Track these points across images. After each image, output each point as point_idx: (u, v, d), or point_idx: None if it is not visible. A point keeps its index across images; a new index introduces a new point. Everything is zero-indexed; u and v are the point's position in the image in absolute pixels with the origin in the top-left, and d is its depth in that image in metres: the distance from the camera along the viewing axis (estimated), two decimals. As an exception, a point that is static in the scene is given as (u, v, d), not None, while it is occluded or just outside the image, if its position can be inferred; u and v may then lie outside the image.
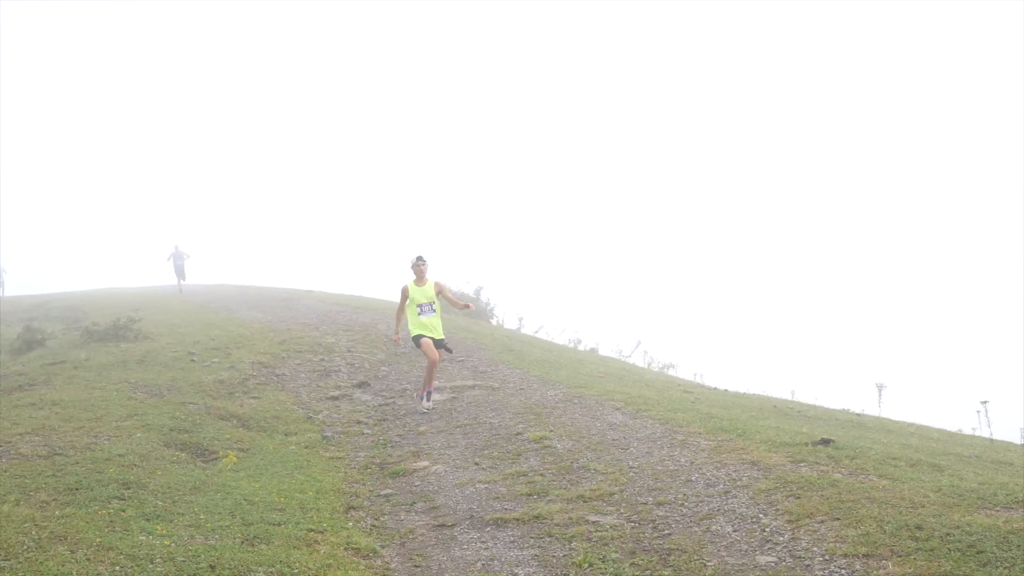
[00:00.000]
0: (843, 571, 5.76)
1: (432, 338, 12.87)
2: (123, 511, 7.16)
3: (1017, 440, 13.01)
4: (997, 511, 6.67)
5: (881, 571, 5.66)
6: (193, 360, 15.65)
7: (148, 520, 7.00)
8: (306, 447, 10.74)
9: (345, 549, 6.73)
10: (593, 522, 7.23)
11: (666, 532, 6.90)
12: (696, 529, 6.91)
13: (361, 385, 14.68)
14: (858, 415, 14.22)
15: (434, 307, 12.97)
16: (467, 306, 13.61)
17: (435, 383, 13.24)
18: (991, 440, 12.39)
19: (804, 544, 6.33)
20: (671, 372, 25.79)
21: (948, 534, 6.11)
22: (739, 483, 7.92)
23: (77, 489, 7.65)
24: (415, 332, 12.85)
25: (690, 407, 12.04)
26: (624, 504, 7.68)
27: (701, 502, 7.56)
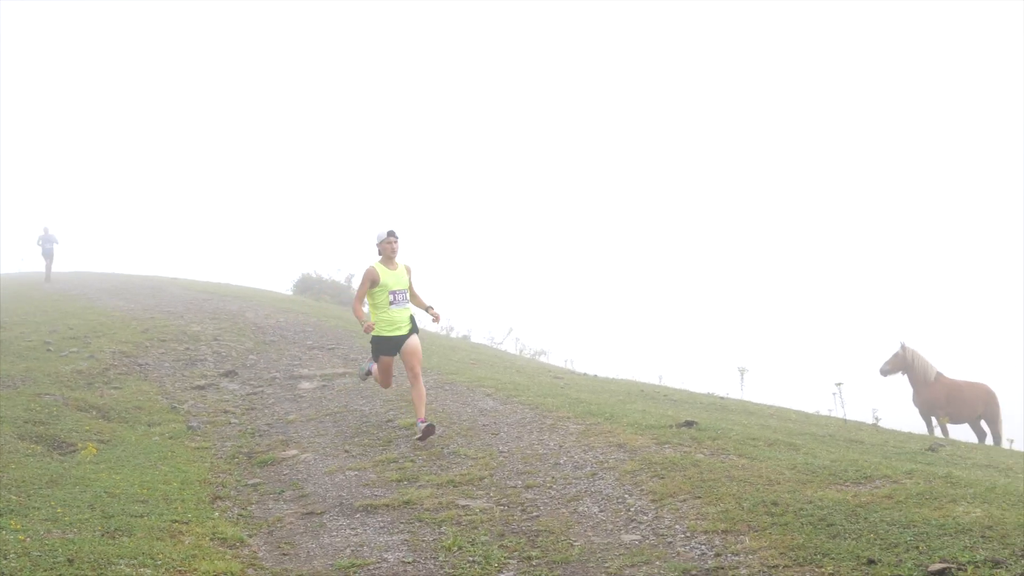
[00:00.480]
0: (703, 547, 5.96)
1: (396, 339, 10.05)
2: (-27, 507, 6.87)
3: (868, 420, 13.64)
4: (847, 486, 7.00)
5: (739, 546, 5.88)
6: (49, 350, 15.05)
7: (0, 515, 6.74)
8: (170, 438, 10.48)
9: (211, 539, 6.61)
10: (463, 506, 7.29)
11: (534, 514, 7.01)
12: (564, 511, 7.04)
13: (228, 374, 14.39)
14: (721, 398, 14.69)
15: (407, 295, 10.13)
16: (435, 316, 10.16)
17: (423, 409, 9.82)
18: (844, 420, 12.97)
19: (667, 522, 6.53)
20: (542, 359, 26.11)
21: (801, 509, 6.39)
22: (606, 465, 8.10)
23: (-76, 484, 7.31)
24: (379, 332, 9.98)
25: (560, 392, 12.22)
26: (494, 488, 7.77)
27: (569, 484, 7.70)
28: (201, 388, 13.50)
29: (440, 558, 6.14)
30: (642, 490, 7.29)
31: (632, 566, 5.76)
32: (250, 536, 6.94)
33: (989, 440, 18.03)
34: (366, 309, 10.19)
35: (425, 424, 9.50)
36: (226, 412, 12.08)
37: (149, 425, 11.07)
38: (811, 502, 6.53)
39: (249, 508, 7.79)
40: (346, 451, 9.57)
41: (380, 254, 10.06)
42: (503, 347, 26.88)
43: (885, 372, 18.72)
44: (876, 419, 13.76)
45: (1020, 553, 5.30)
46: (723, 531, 6.17)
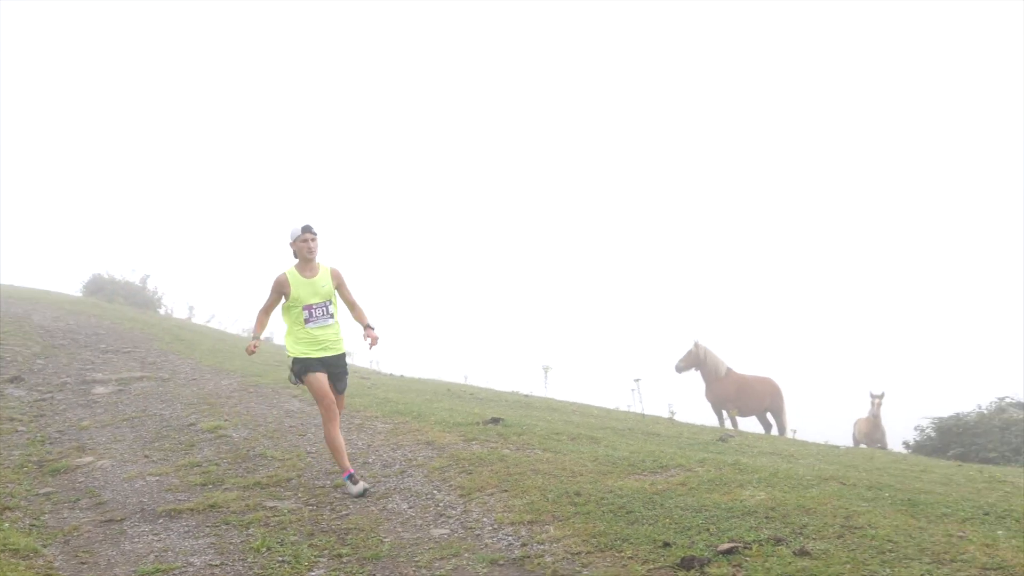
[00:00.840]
0: (510, 538, 6.14)
1: (328, 359, 8.04)
2: None
3: (665, 413, 14.31)
4: (645, 476, 7.36)
5: (544, 535, 6.10)
6: None
7: None
8: (-50, 448, 9.85)
9: (1, 551, 6.29)
10: (271, 507, 7.22)
11: (344, 513, 7.02)
12: (373, 508, 7.09)
13: (14, 380, 13.60)
14: (526, 396, 15.04)
15: (331, 309, 8.04)
16: (373, 338, 8.21)
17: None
18: (643, 415, 13.55)
19: (475, 515, 6.68)
20: (348, 360, 25.94)
21: (603, 498, 6.68)
22: (415, 462, 8.19)
23: None
24: (300, 352, 7.93)
25: (367, 392, 12.23)
26: (302, 488, 7.72)
27: (378, 482, 7.75)
28: (-16, 395, 12.71)
29: (249, 559, 6.08)
30: (450, 485, 7.42)
31: (441, 559, 5.87)
32: (44, 546, 6.63)
33: (775, 431, 19.22)
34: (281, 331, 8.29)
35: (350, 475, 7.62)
36: (12, 420, 11.43)
37: (-74, 435, 10.36)
38: (611, 491, 6.84)
39: (42, 518, 7.43)
40: (146, 456, 9.26)
41: (297, 255, 8.06)
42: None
43: (680, 369, 19.69)
44: (672, 413, 14.46)
45: (799, 531, 5.75)
46: (529, 522, 6.38)
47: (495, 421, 9.58)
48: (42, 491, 8.29)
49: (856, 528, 5.76)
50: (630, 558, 5.54)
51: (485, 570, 5.62)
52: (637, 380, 14.85)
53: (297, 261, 8.03)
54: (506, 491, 7.08)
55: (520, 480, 7.30)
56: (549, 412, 11.86)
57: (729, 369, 19.63)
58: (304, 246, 7.93)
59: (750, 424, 19.51)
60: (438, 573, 5.63)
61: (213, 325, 27.20)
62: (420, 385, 14.79)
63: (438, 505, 7.01)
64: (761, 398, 19.55)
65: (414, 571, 5.70)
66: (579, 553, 5.73)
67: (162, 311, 28.75)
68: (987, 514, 6.18)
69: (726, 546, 5.50)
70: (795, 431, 17.92)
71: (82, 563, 6.28)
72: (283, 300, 7.97)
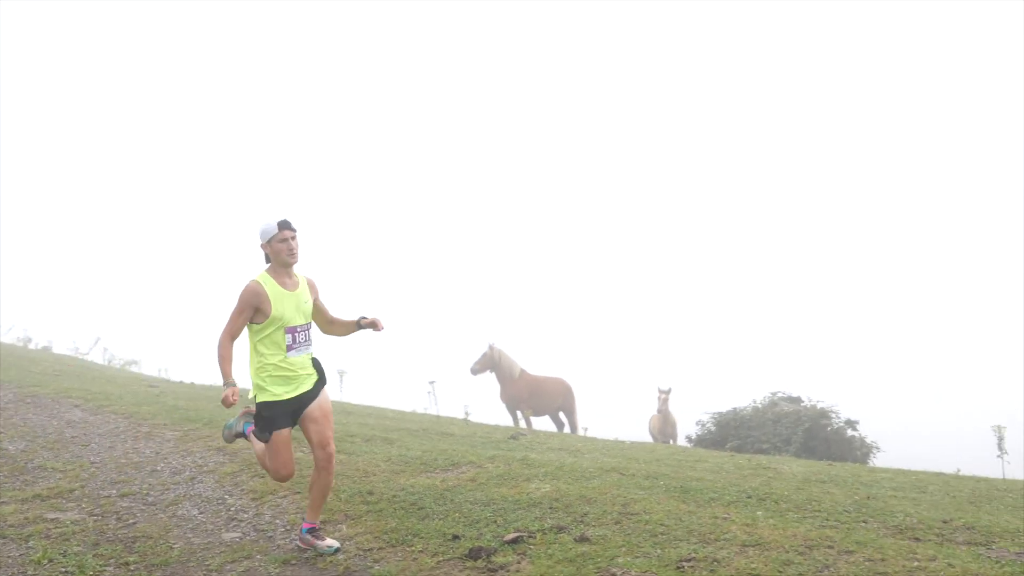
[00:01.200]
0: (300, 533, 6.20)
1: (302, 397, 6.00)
2: None
3: (460, 415, 14.59)
4: (437, 473, 7.57)
5: (337, 534, 6.20)
6: None
7: None
8: None
9: None
10: (52, 519, 6.97)
11: (131, 521, 6.88)
12: (162, 516, 6.98)
13: None
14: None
15: (311, 334, 6.13)
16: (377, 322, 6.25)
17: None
18: (438, 416, 13.77)
19: (267, 518, 6.72)
20: (134, 368, 25.01)
21: (395, 496, 6.85)
22: (205, 468, 8.11)
23: None
24: (271, 396, 5.91)
25: (155, 400, 11.92)
26: (86, 499, 7.50)
27: (167, 490, 7.62)
28: None
29: (29, 572, 5.87)
30: (243, 490, 7.40)
31: (233, 562, 5.88)
32: None
33: (567, 429, 19.88)
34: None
35: (314, 531, 6.03)
36: None
37: None
38: (403, 489, 7.02)
39: None
40: (-89, 472, 8.72)
41: (270, 260, 6.05)
42: (89, 358, 25.45)
43: (475, 371, 20.01)
44: (467, 414, 14.75)
45: (580, 519, 6.09)
46: (322, 522, 6.47)
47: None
48: None
49: (632, 514, 6.16)
50: (420, 551, 5.72)
51: (277, 571, 5.67)
52: (432, 382, 15.09)
53: (269, 266, 6.03)
54: (299, 493, 7.13)
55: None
56: (344, 415, 11.90)
57: (523, 371, 20.12)
58: (285, 247, 5.93)
59: (543, 423, 20.12)
60: (226, 571, 5.64)
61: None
62: (211, 392, 14.50)
63: (229, 509, 6.98)
64: (553, 397, 20.15)
65: (204, 575, 5.68)
66: (371, 549, 5.87)
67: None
68: (749, 497, 6.74)
69: (511, 536, 5.77)
70: (586, 429, 18.62)
71: None
72: (252, 320, 5.88)
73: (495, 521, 6.13)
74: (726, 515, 6.14)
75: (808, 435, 16.69)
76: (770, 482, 7.83)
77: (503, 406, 19.90)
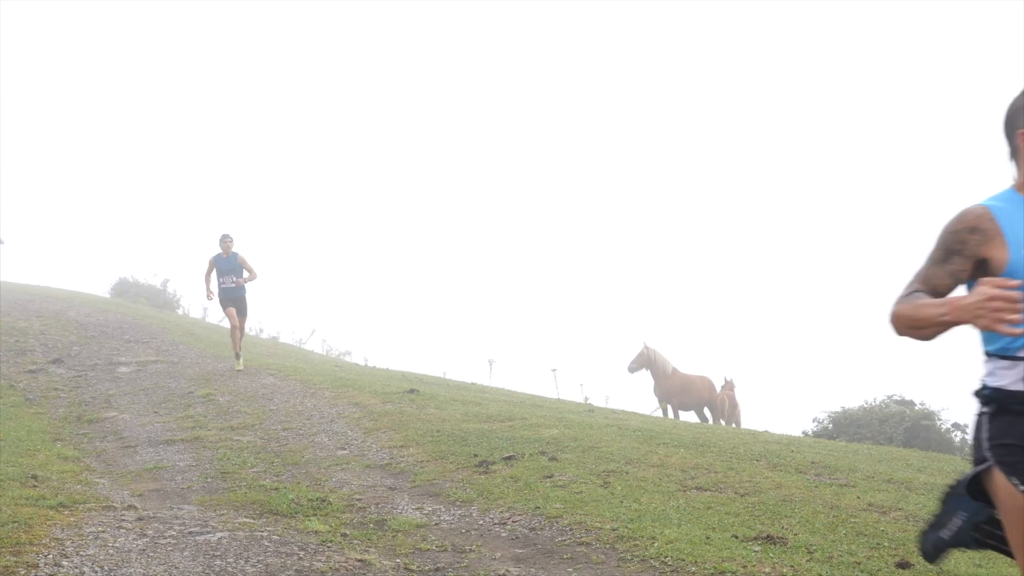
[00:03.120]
0: (384, 454, 9.50)
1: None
2: None
3: (578, 397, 17.56)
4: (491, 423, 10.69)
5: (404, 453, 9.45)
6: None
7: (-102, 446, 9.56)
8: (11, 406, 13.25)
9: (57, 457, 9.65)
10: (236, 440, 10.58)
11: (285, 444, 10.37)
12: (305, 441, 10.44)
13: (55, 361, 17.05)
14: (472, 383, 18.35)
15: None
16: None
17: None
18: (557, 397, 16.81)
19: (368, 444, 10.04)
20: (346, 358, 29.32)
21: (453, 433, 10.04)
22: (342, 415, 11.55)
23: None
24: None
25: (329, 374, 15.60)
26: (260, 430, 11.10)
27: (313, 427, 11.11)
28: (33, 372, 16.15)
29: (215, 463, 9.45)
30: (360, 428, 10.79)
31: (337, 464, 9.22)
32: (84, 457, 10.02)
33: (710, 423, 22.37)
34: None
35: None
36: (56, 389, 14.87)
37: (-9, 398, 13.78)
38: (461, 430, 10.19)
39: (82, 445, 10.82)
40: (155, 412, 12.66)
41: None
42: (307, 347, 29.92)
43: (632, 369, 22.70)
44: (586, 399, 17.71)
45: (560, 449, 9.07)
46: (399, 446, 9.73)
47: (412, 391, 12.92)
48: (81, 431, 11.70)
49: (596, 448, 9.09)
50: (450, 464, 8.87)
51: (360, 469, 8.96)
52: (554, 370, 18.13)
53: None
54: (394, 430, 10.44)
55: (407, 424, 10.65)
56: (461, 391, 15.19)
57: (675, 368, 22.63)
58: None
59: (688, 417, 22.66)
60: (330, 470, 8.98)
61: (223, 325, 30.68)
62: (378, 372, 18.16)
63: (347, 439, 10.37)
64: (701, 394, 22.60)
65: (316, 470, 9.04)
66: (421, 461, 9.08)
67: (179, 311, 32.26)
68: (693, 442, 9.49)
69: (507, 455, 8.84)
70: (723, 423, 21.12)
71: (108, 465, 9.68)
72: None
73: (506, 448, 9.20)
74: (663, 452, 8.96)
75: (909, 434, 18.57)
76: (717, 435, 10.46)
77: (655, 399, 22.46)
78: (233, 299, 16.70)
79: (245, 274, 16.48)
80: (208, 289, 16.90)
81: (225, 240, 16.35)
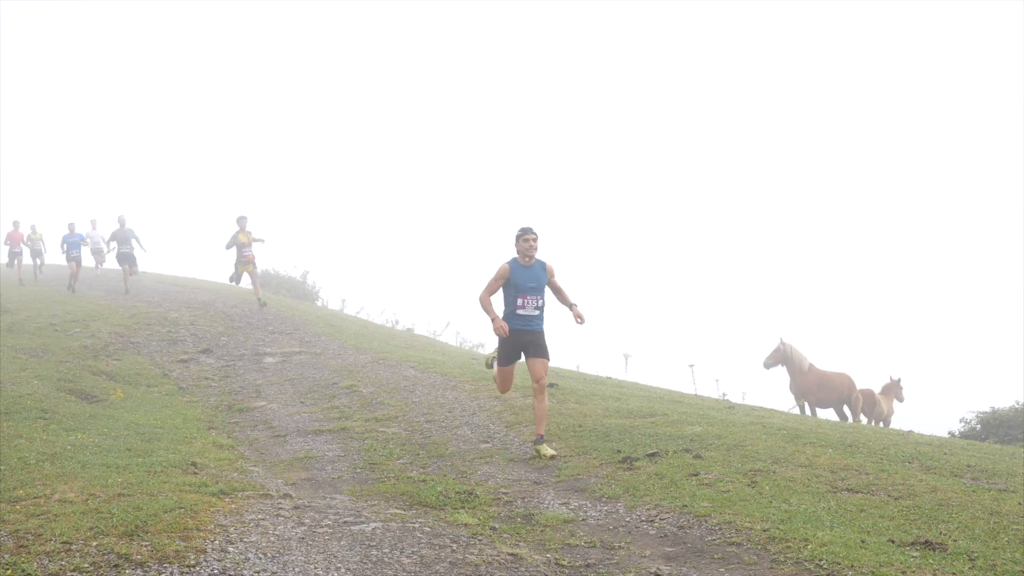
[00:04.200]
0: (526, 447, 9.56)
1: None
2: (50, 425, 10.21)
3: (715, 393, 17.32)
4: (633, 419, 10.62)
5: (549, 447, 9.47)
6: (56, 330, 18.32)
7: (68, 432, 10.06)
8: (167, 394, 13.86)
9: (212, 445, 10.04)
10: (381, 431, 10.80)
11: (429, 435, 10.54)
12: (448, 434, 10.58)
13: (205, 351, 17.75)
14: (608, 377, 18.31)
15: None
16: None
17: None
18: (695, 393, 16.62)
19: (511, 437, 10.11)
20: (480, 350, 29.67)
21: (594, 428, 10.02)
22: (483, 408, 11.67)
23: (9, 412, 10.63)
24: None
25: (468, 366, 15.76)
26: (404, 421, 11.30)
27: (455, 419, 11.25)
28: (184, 361, 16.86)
29: (362, 453, 9.67)
30: (502, 422, 10.87)
31: (480, 457, 9.33)
32: (237, 446, 10.39)
33: (850, 421, 21.83)
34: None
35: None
36: (207, 379, 15.48)
37: (148, 386, 14.43)
38: (603, 425, 10.17)
39: (234, 433, 11.23)
40: (301, 402, 13.04)
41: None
42: (441, 338, 30.38)
43: (768, 365, 22.33)
44: (723, 394, 17.45)
45: (705, 447, 8.95)
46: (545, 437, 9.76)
47: (551, 385, 12.94)
48: (233, 420, 12.14)
49: (742, 446, 8.93)
50: (593, 460, 8.86)
51: (504, 463, 9.04)
52: (691, 365, 17.92)
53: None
54: (535, 425, 10.47)
55: (548, 419, 10.67)
56: (597, 385, 15.14)
57: (811, 365, 22.16)
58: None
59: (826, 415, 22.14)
60: (475, 463, 9.08)
61: (361, 316, 31.42)
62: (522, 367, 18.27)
63: (489, 432, 10.47)
64: (840, 391, 22.06)
65: (461, 463, 9.15)
66: (565, 456, 9.09)
67: (319, 303, 33.20)
68: (841, 442, 9.24)
69: (651, 451, 8.77)
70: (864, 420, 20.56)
71: (261, 453, 10.01)
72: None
73: (649, 445, 9.14)
74: (810, 451, 8.75)
75: (1059, 435, 17.73)
76: (865, 435, 10.14)
77: (791, 396, 22.06)
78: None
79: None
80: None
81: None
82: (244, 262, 22.41)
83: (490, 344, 30.94)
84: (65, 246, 27.44)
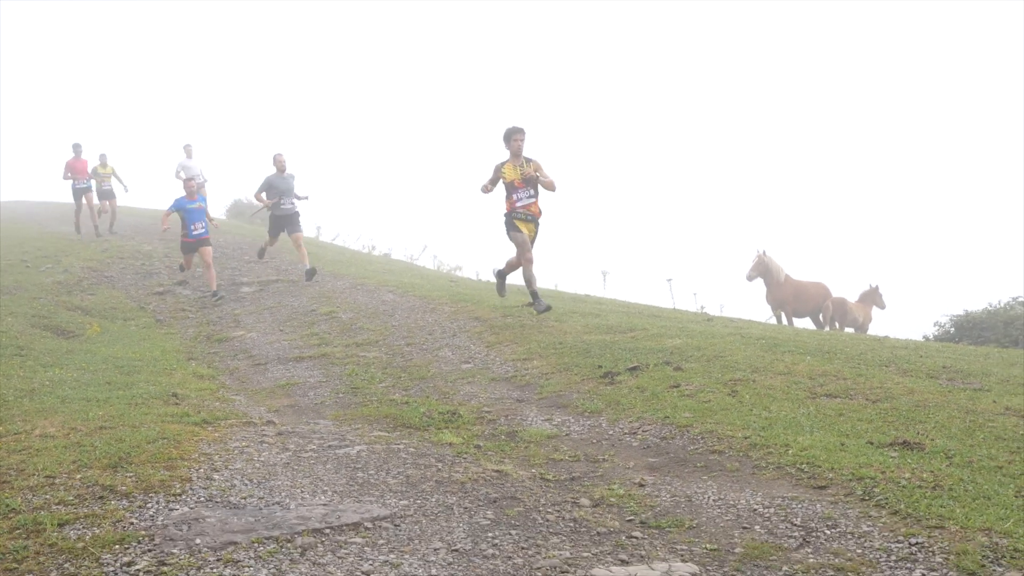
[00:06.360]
0: (507, 367, 9.57)
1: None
2: (26, 362, 10.13)
3: (694, 307, 17.39)
4: (613, 334, 10.65)
5: (528, 365, 9.50)
6: (27, 266, 18.10)
7: (46, 368, 9.98)
8: (144, 327, 13.78)
9: (193, 376, 10.01)
10: (362, 356, 10.80)
11: (410, 358, 10.54)
12: (429, 356, 10.58)
13: (181, 283, 17.63)
14: (585, 295, 18.34)
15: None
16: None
17: None
18: (673, 308, 16.68)
19: (492, 357, 10.12)
20: (458, 273, 29.65)
21: (575, 344, 10.04)
22: (463, 330, 11.66)
23: (-16, 351, 10.54)
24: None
25: (447, 289, 15.74)
26: (384, 345, 11.29)
27: (436, 341, 11.25)
28: (160, 294, 16.74)
29: (344, 378, 9.67)
30: (482, 342, 10.87)
31: (462, 378, 9.34)
32: (218, 375, 10.37)
33: (827, 329, 22.03)
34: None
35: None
36: (184, 310, 15.40)
37: (125, 320, 14.33)
38: (583, 342, 10.18)
39: (214, 363, 11.20)
40: (280, 330, 13.00)
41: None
42: (419, 263, 30.29)
43: (750, 277, 22.40)
44: (701, 307, 17.52)
45: (685, 358, 9.00)
46: (523, 359, 9.79)
47: (530, 304, 12.94)
48: (212, 350, 12.10)
49: (721, 357, 8.98)
50: (575, 375, 8.89)
51: (486, 382, 9.06)
52: (669, 280, 17.97)
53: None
54: (516, 343, 10.49)
55: (528, 337, 10.69)
56: (578, 303, 15.16)
57: (788, 276, 22.28)
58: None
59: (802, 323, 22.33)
60: (457, 384, 9.10)
61: (337, 242, 31.23)
62: (486, 284, 18.27)
63: (470, 352, 10.47)
64: (816, 300, 22.24)
65: (443, 384, 9.17)
66: (546, 373, 9.12)
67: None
68: (819, 350, 9.31)
69: (632, 365, 8.81)
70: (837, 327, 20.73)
71: (242, 382, 9.99)
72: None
73: (629, 359, 9.17)
74: (789, 359, 8.81)
75: (1034, 335, 17.95)
76: (843, 341, 10.23)
77: (768, 307, 22.21)
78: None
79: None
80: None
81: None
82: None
83: (467, 267, 30.96)
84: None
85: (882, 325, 23.27)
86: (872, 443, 6.22)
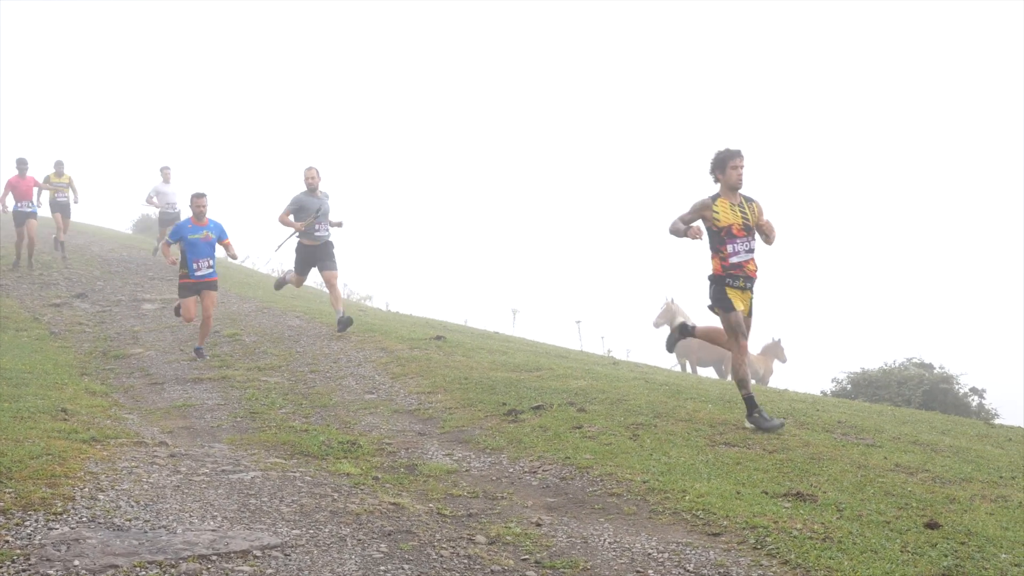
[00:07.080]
0: (412, 399, 9.48)
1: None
2: (-92, 368, 9.71)
3: (601, 350, 17.53)
4: (520, 372, 10.65)
5: (433, 399, 9.43)
6: (-82, 270, 17.41)
7: (-72, 375, 9.60)
8: (37, 339, 13.30)
9: (85, 392, 9.67)
10: (263, 380, 10.59)
11: (313, 386, 10.37)
12: (333, 384, 10.43)
13: (80, 296, 17.11)
14: (494, 332, 18.33)
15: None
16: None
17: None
18: (581, 349, 16.78)
19: (396, 389, 10.02)
20: (367, 303, 29.38)
21: (481, 381, 10.00)
22: (369, 359, 11.54)
23: None
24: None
25: (356, 317, 15.56)
26: (287, 371, 11.10)
27: (340, 370, 11.10)
28: (57, 306, 16.21)
29: (243, 402, 9.46)
30: (388, 373, 10.77)
31: (365, 408, 9.22)
32: (112, 393, 10.05)
33: (730, 379, 22.36)
34: None
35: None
36: (80, 324, 14.92)
37: (17, 330, 13.82)
38: (489, 378, 10.16)
39: (109, 380, 10.85)
40: (181, 350, 12.68)
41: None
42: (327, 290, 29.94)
43: (658, 324, 22.69)
44: (608, 350, 17.67)
45: (588, 400, 9.03)
46: (428, 392, 9.71)
47: (439, 338, 12.89)
48: (108, 367, 11.74)
49: (625, 401, 9.04)
50: (479, 411, 8.84)
51: (388, 414, 8.96)
52: (578, 321, 18.11)
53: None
54: (422, 376, 10.41)
55: (434, 370, 10.62)
56: (486, 339, 15.15)
57: (695, 325, 22.58)
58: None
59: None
60: (359, 414, 8.97)
61: (246, 264, 30.73)
62: (404, 318, 18.17)
63: (375, 383, 10.36)
64: (720, 351, 22.60)
65: (345, 413, 9.04)
66: (450, 408, 9.06)
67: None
68: (720, 398, 9.44)
69: (536, 404, 8.81)
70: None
71: (136, 400, 9.70)
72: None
73: (534, 398, 9.17)
74: (691, 406, 8.90)
75: (927, 396, 18.49)
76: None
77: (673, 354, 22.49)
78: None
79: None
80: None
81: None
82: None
83: (377, 297, 30.73)
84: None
85: (782, 378, 23.70)
86: (767, 493, 6.30)
